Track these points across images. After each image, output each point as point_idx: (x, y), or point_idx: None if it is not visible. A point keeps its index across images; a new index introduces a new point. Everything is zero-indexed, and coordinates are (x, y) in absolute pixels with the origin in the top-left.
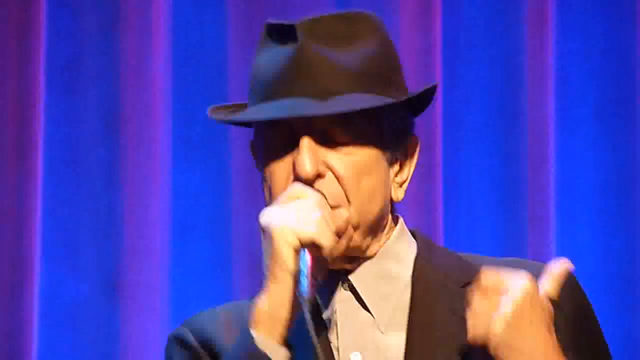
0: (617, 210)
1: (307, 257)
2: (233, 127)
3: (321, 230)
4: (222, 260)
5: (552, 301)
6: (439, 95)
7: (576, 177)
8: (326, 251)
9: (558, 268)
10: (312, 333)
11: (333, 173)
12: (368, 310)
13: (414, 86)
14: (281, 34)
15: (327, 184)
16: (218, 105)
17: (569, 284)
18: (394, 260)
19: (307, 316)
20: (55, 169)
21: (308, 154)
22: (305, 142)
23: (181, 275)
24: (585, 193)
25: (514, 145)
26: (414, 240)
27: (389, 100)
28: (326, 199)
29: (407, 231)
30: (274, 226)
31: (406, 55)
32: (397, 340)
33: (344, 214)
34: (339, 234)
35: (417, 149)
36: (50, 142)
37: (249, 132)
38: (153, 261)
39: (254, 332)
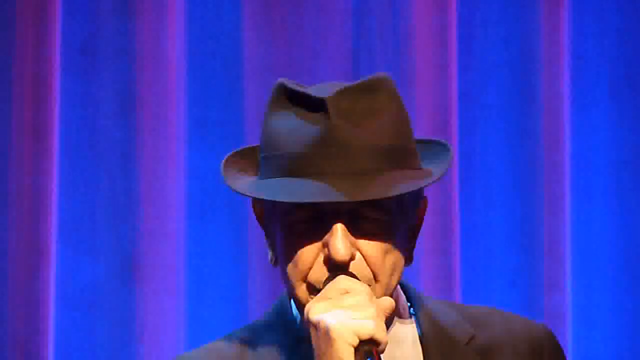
0: (633, 188)
1: None
2: (249, 106)
3: (378, 327)
4: (239, 241)
5: None
6: (454, 75)
7: (591, 156)
8: (383, 346)
9: None
10: None
11: (361, 253)
12: None
13: (425, 68)
14: (306, 102)
15: (358, 265)
16: (227, 158)
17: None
18: (398, 321)
19: None
20: (71, 152)
21: (343, 239)
22: (339, 228)
23: (198, 257)
24: (601, 171)
25: (529, 124)
26: (402, 292)
27: (425, 182)
28: (356, 277)
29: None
30: (332, 325)
31: (422, 35)
32: None
33: (389, 303)
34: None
35: (425, 211)
36: (66, 124)
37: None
38: (170, 243)
39: None
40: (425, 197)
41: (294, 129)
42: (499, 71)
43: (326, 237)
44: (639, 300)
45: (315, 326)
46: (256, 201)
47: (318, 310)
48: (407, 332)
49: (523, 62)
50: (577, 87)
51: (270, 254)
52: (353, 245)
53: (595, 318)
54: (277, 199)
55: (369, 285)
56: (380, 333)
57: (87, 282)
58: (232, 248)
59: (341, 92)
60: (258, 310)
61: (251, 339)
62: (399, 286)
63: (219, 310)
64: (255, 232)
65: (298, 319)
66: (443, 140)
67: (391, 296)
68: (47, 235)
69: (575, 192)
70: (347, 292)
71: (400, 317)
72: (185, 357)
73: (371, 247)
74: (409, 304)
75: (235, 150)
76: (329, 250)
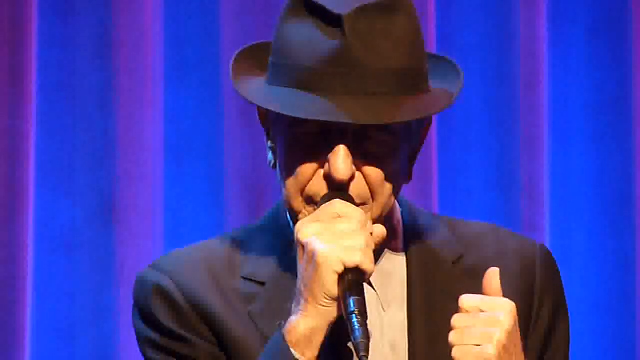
0: (610, 129)
1: (354, 299)
2: (226, 48)
3: (366, 257)
4: (215, 182)
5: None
6: (432, 17)
7: (569, 97)
8: (368, 276)
9: (493, 279)
10: None
11: (362, 173)
12: (372, 287)
13: None
14: (323, 15)
15: (357, 184)
16: (236, 57)
17: (555, 278)
18: (391, 235)
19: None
20: (49, 93)
21: (345, 159)
22: (342, 149)
23: (175, 199)
24: (578, 113)
25: (507, 66)
26: (398, 207)
27: (433, 109)
28: (353, 199)
29: None
30: (319, 251)
31: None
32: (399, 319)
33: (380, 231)
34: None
35: (427, 133)
36: (44, 66)
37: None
38: (147, 185)
39: (295, 353)
40: (429, 119)
41: (308, 40)
42: (476, 12)
43: (329, 155)
44: (616, 241)
45: (304, 247)
46: (263, 112)
47: (308, 232)
48: (397, 245)
49: (500, 3)
50: (555, 29)
51: (270, 156)
52: (355, 164)
53: (573, 259)
54: (285, 112)
55: (366, 204)
56: (366, 263)
57: (65, 225)
58: (209, 190)
59: (359, 10)
60: None
61: (244, 240)
62: (396, 202)
63: None
64: (232, 174)
65: (291, 225)
66: (454, 61)
67: (387, 214)
68: (25, 178)
69: (553, 134)
70: (340, 217)
71: (394, 232)
72: (177, 252)
73: (373, 169)
74: (406, 221)
75: (244, 48)
76: (329, 168)
